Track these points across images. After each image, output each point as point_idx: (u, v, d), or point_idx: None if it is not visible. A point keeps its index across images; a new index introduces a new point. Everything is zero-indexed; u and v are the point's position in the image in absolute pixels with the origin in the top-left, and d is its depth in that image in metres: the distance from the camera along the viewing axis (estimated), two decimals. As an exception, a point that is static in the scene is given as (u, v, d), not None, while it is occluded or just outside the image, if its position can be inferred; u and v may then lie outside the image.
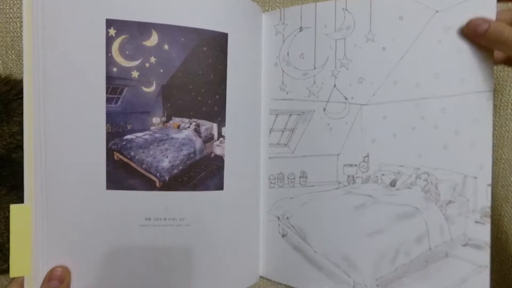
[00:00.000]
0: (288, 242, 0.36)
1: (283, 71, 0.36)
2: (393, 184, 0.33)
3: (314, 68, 0.35)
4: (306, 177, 0.35)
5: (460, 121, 0.31)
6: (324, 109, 0.35)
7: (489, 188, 0.31)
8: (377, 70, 0.33)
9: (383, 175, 0.34)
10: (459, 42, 0.31)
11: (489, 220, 0.31)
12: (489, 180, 0.31)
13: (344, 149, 0.34)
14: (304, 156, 0.36)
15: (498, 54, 0.31)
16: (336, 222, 0.34)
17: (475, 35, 0.29)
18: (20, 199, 0.31)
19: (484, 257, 0.31)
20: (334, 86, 0.35)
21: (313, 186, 0.35)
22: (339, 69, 0.34)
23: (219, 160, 0.34)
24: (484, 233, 0.31)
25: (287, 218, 0.36)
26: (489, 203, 0.31)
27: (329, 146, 0.35)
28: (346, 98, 0.34)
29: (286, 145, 0.36)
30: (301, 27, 0.35)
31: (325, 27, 0.35)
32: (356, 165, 0.34)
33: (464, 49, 0.31)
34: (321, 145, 0.35)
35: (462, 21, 0.31)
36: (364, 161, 0.34)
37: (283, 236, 0.36)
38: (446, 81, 0.32)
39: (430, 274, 0.32)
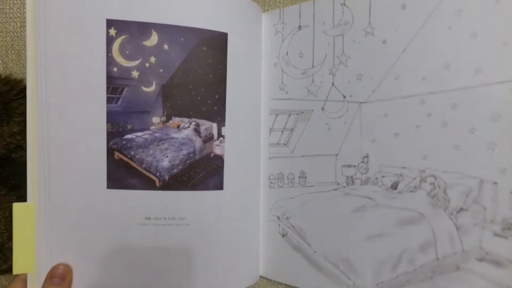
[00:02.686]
0: (288, 242, 0.33)
1: (282, 70, 0.34)
2: (394, 186, 0.29)
3: (313, 66, 0.32)
4: (306, 177, 0.32)
5: (476, 117, 0.25)
6: (323, 108, 0.31)
7: (512, 196, 0.24)
8: (377, 65, 0.29)
9: (383, 176, 0.29)
10: (474, 25, 0.25)
11: None
12: None
13: (343, 149, 0.30)
14: (303, 156, 0.33)
15: None
16: (334, 223, 0.31)
17: None
18: (20, 199, 0.29)
19: (504, 276, 0.25)
20: (333, 84, 0.31)
21: (312, 186, 0.32)
22: (338, 66, 0.31)
23: (219, 159, 0.31)
24: (505, 248, 0.25)
25: (287, 218, 0.34)
26: None
27: (327, 146, 0.31)
28: (344, 96, 0.30)
29: (285, 144, 0.34)
30: (300, 26, 0.32)
31: (323, 24, 0.31)
32: (355, 166, 0.30)
33: (480, 32, 0.25)
34: (319, 145, 0.32)
35: (476, 1, 0.25)
36: (363, 161, 0.30)
37: (283, 236, 0.34)
38: (458, 72, 0.26)
39: (438, 287, 0.27)
